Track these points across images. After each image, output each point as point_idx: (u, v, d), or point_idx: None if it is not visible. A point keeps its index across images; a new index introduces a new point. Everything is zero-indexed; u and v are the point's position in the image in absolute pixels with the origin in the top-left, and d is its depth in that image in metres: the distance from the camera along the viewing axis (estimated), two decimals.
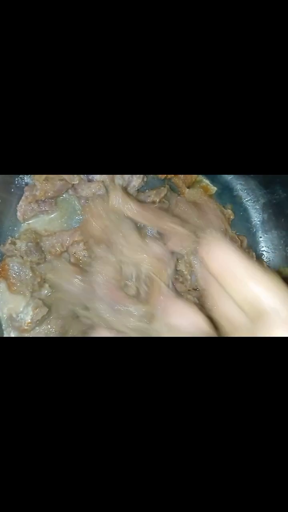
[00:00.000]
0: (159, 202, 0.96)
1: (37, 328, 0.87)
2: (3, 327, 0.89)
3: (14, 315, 0.87)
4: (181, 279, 0.92)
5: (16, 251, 0.86)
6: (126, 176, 0.91)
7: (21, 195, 0.91)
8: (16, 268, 0.85)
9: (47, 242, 0.89)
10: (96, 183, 0.90)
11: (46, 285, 0.87)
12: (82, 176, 0.89)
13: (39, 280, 0.86)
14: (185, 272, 0.91)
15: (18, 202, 0.91)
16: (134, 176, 0.91)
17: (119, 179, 0.90)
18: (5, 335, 0.88)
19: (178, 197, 0.97)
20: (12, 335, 0.89)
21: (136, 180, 0.92)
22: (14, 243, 0.87)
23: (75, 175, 0.88)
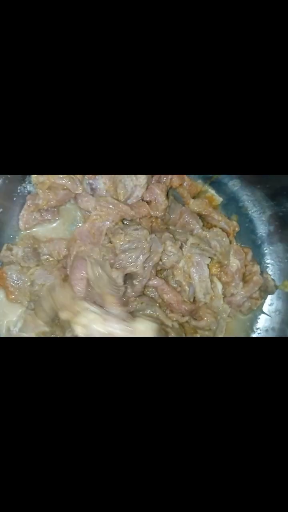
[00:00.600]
0: (162, 215, 0.94)
1: None
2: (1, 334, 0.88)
3: (11, 328, 0.87)
4: (178, 289, 0.91)
5: (12, 257, 0.85)
6: (129, 186, 0.90)
7: (23, 204, 0.91)
8: (14, 276, 0.85)
9: (44, 249, 0.89)
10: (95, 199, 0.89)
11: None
12: (85, 185, 0.88)
13: (36, 288, 0.85)
14: (183, 283, 0.90)
15: (20, 211, 0.91)
16: (137, 186, 0.90)
17: (121, 188, 0.89)
18: None
19: (183, 208, 0.96)
20: None
21: (139, 190, 0.90)
22: (10, 249, 0.86)
23: (79, 185, 0.87)
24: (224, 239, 0.92)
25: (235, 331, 0.99)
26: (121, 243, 0.85)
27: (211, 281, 0.92)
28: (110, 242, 0.86)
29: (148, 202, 0.92)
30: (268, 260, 1.02)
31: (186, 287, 0.89)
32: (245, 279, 0.95)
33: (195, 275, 0.89)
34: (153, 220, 0.94)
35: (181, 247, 0.90)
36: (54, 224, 0.94)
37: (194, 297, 0.92)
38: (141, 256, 0.84)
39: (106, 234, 0.87)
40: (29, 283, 0.85)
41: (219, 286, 0.93)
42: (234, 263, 0.92)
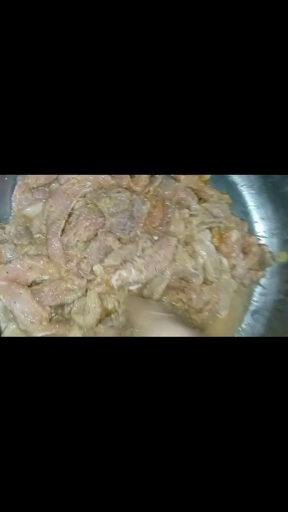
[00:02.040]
0: (154, 190, 0.95)
1: None
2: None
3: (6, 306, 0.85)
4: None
5: (5, 235, 0.84)
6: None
7: (15, 184, 0.91)
8: (8, 255, 0.83)
9: (36, 222, 0.88)
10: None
11: None
12: None
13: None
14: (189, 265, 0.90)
15: (11, 191, 0.91)
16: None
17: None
18: (2, 325, 0.86)
19: (177, 184, 0.97)
20: (9, 328, 0.86)
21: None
22: (3, 228, 0.85)
23: None
24: (224, 203, 0.93)
25: (234, 306, 0.99)
26: (108, 206, 0.85)
27: None
28: (96, 205, 0.87)
29: (131, 176, 0.94)
30: (260, 232, 1.03)
31: (192, 269, 0.90)
32: (244, 251, 0.95)
33: (202, 251, 0.90)
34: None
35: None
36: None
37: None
38: (128, 221, 0.86)
39: (85, 197, 0.88)
40: None
41: (224, 261, 0.93)
42: (234, 233, 0.93)
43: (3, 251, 0.84)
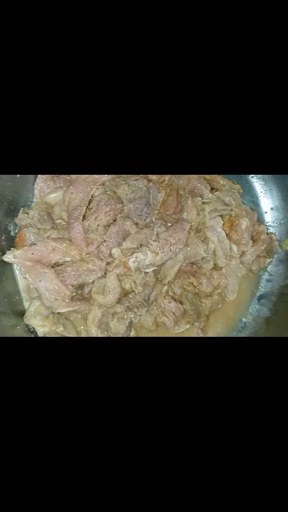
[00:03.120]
0: (168, 180, 1.00)
1: None
2: (22, 296, 0.92)
3: (31, 286, 0.91)
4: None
5: (29, 219, 0.89)
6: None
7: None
8: (32, 238, 0.89)
9: (57, 209, 0.94)
10: None
11: None
12: None
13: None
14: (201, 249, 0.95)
15: (34, 179, 0.96)
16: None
17: None
18: (25, 304, 0.92)
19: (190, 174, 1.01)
20: (33, 304, 0.91)
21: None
22: (26, 213, 0.90)
23: None
24: (235, 192, 0.98)
25: (242, 290, 1.04)
26: (126, 192, 0.91)
27: None
28: (115, 192, 0.93)
29: None
30: (269, 222, 1.08)
31: (204, 253, 0.94)
32: (253, 239, 1.00)
33: (213, 238, 0.95)
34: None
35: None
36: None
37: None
38: (145, 208, 0.92)
39: (104, 184, 0.93)
40: None
41: (234, 247, 0.98)
42: (244, 221, 0.98)
43: (27, 235, 0.90)
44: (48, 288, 0.83)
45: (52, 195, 0.97)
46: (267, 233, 1.03)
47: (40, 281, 0.83)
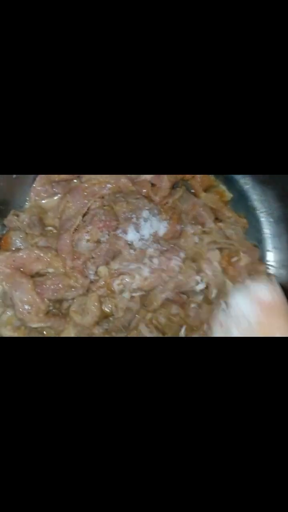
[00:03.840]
0: (172, 202, 0.95)
1: None
2: None
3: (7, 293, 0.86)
4: None
5: (18, 223, 0.86)
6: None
7: (35, 176, 0.92)
8: (18, 242, 0.85)
9: (50, 215, 0.90)
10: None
11: None
12: None
13: None
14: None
15: (32, 182, 0.92)
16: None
17: None
18: None
19: (196, 200, 0.97)
20: (6, 313, 0.88)
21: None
22: (17, 215, 0.87)
23: None
24: (238, 227, 0.94)
25: None
26: (124, 210, 0.86)
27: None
28: (112, 208, 0.88)
29: (153, 185, 0.94)
30: (271, 262, 1.02)
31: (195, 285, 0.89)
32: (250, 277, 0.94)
33: (208, 271, 0.89)
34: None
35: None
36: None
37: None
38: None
39: (103, 198, 0.89)
40: None
41: (229, 284, 0.93)
42: (244, 258, 0.92)
43: (13, 238, 0.86)
44: (22, 300, 0.79)
45: (47, 200, 0.93)
46: (267, 274, 0.97)
47: (15, 291, 0.79)
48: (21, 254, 0.82)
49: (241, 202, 1.02)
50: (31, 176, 0.92)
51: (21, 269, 0.81)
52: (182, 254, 0.89)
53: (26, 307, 0.79)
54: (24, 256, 0.82)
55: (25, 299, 0.79)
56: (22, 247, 0.85)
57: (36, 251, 0.83)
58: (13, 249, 0.85)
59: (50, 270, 0.84)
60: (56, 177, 0.90)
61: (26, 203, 0.93)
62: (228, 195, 1.02)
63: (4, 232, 0.88)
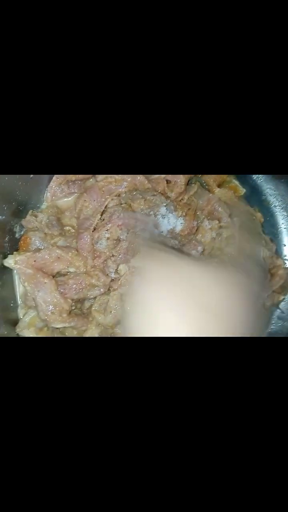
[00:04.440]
0: (188, 199, 0.95)
1: None
2: (18, 303, 0.87)
3: (29, 294, 0.85)
4: None
5: (37, 223, 0.85)
6: None
7: (51, 176, 0.91)
8: (37, 242, 0.84)
9: (67, 215, 0.90)
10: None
11: None
12: None
13: None
14: None
15: (48, 182, 0.91)
16: None
17: None
18: (19, 311, 0.87)
19: (211, 195, 0.97)
20: (28, 313, 0.86)
21: None
22: (35, 216, 0.86)
23: None
24: (256, 220, 0.95)
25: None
26: (141, 207, 0.86)
27: None
28: (130, 206, 0.88)
29: (168, 181, 0.94)
30: (286, 256, 1.02)
31: None
32: (270, 273, 0.95)
33: None
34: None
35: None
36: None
37: None
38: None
39: (120, 196, 0.89)
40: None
41: None
42: (264, 252, 0.92)
43: (32, 238, 0.85)
44: (46, 300, 0.78)
45: (64, 200, 0.93)
46: (284, 268, 0.97)
47: (38, 291, 0.78)
48: (41, 254, 0.81)
49: (254, 197, 1.02)
50: (47, 176, 0.91)
51: (43, 270, 0.80)
52: (200, 248, 0.89)
53: (50, 307, 0.78)
54: (46, 256, 0.81)
55: (49, 299, 0.78)
56: (41, 247, 0.84)
57: (57, 251, 0.82)
58: (33, 249, 0.84)
59: (71, 269, 0.83)
60: (72, 176, 0.90)
61: (43, 203, 0.92)
62: (242, 190, 1.02)
63: (22, 232, 0.87)
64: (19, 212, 0.87)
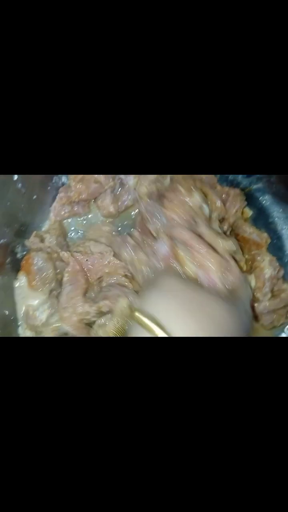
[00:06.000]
0: None
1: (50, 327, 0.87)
2: (18, 323, 0.88)
3: (30, 312, 0.86)
4: None
5: (44, 244, 0.86)
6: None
7: (56, 195, 0.93)
8: (40, 263, 0.85)
9: (72, 234, 0.92)
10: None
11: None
12: (116, 180, 0.89)
13: (59, 277, 0.86)
14: None
15: (51, 202, 0.93)
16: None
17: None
18: (20, 331, 0.88)
19: None
20: (27, 333, 0.88)
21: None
22: (40, 237, 0.87)
23: (110, 180, 0.89)
24: None
25: None
26: None
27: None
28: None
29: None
30: None
31: None
32: (273, 294, 0.93)
33: None
34: None
35: None
36: (82, 218, 0.96)
37: None
38: None
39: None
40: (52, 271, 0.85)
41: (253, 281, 0.92)
42: (269, 270, 0.91)
43: (35, 259, 0.86)
44: (69, 295, 0.82)
45: (67, 220, 0.94)
46: None
47: (70, 285, 0.83)
48: (95, 255, 0.86)
49: (261, 220, 1.00)
50: (50, 196, 0.93)
51: (89, 270, 0.86)
52: None
53: (69, 302, 0.82)
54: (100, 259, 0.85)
55: (71, 296, 0.82)
56: (43, 266, 0.85)
57: (111, 257, 0.85)
58: (35, 269, 0.85)
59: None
60: (76, 197, 0.91)
61: (45, 223, 0.93)
62: (248, 212, 1.01)
63: (24, 253, 0.88)
64: (22, 232, 0.88)
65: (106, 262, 0.85)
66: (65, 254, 0.85)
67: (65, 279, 0.85)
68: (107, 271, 0.86)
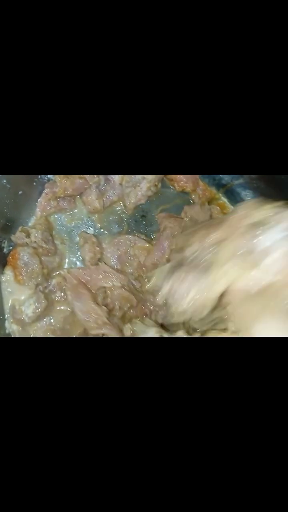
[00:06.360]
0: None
1: (37, 322, 0.89)
2: (6, 317, 0.89)
3: (17, 307, 0.88)
4: None
5: (29, 239, 0.87)
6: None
7: (42, 190, 0.94)
8: (26, 258, 0.86)
9: (56, 229, 0.94)
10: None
11: (53, 280, 0.90)
12: (101, 176, 0.91)
13: (45, 272, 0.87)
14: None
15: (37, 197, 0.94)
16: (145, 179, 0.93)
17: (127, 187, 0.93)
18: (6, 326, 0.89)
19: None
20: (13, 326, 0.89)
21: (145, 184, 0.93)
22: (26, 232, 0.88)
23: (95, 176, 0.90)
24: None
25: None
26: None
27: None
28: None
29: None
30: None
31: None
32: None
33: None
34: None
35: None
36: (69, 213, 0.97)
37: None
38: None
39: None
40: (38, 265, 0.87)
41: None
42: None
43: (21, 254, 0.87)
44: (82, 310, 0.85)
45: (53, 215, 0.95)
46: None
47: (76, 301, 0.86)
48: (92, 269, 0.90)
49: None
50: (37, 191, 0.94)
51: (88, 283, 0.89)
52: None
53: (86, 315, 0.85)
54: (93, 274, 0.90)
55: (85, 309, 0.85)
56: (29, 261, 0.87)
57: (106, 269, 0.90)
58: (22, 264, 0.87)
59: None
60: (61, 193, 0.92)
61: (31, 219, 0.94)
62: (229, 207, 1.03)
63: (11, 248, 0.89)
64: (8, 227, 0.89)
65: (103, 274, 0.89)
66: (61, 273, 0.89)
67: (68, 297, 0.87)
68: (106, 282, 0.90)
